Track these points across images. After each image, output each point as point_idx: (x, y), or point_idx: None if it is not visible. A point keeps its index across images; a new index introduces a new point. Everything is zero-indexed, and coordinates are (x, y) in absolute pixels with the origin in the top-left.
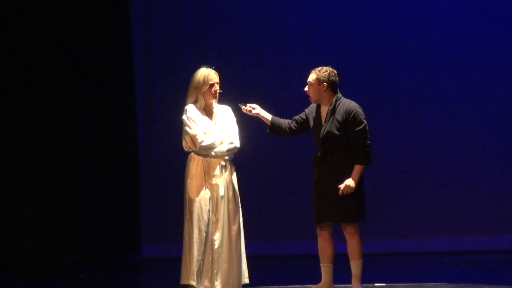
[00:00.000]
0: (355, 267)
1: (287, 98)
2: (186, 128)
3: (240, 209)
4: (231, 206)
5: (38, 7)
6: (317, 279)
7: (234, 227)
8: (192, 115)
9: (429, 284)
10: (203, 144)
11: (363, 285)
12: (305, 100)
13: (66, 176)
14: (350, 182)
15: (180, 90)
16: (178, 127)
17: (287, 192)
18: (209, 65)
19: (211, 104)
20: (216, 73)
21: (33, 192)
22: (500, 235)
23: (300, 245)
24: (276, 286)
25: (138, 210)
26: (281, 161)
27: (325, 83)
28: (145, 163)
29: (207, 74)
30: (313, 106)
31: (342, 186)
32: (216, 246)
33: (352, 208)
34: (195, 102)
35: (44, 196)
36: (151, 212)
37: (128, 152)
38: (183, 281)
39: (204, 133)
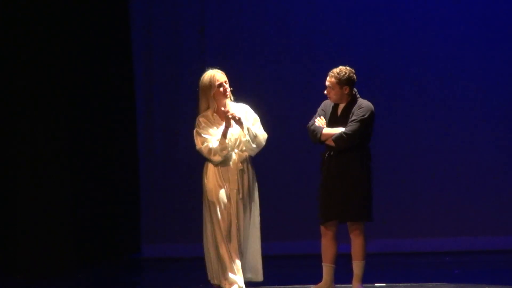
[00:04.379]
0: (357, 268)
1: (287, 98)
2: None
3: (258, 210)
4: (249, 205)
5: (37, 8)
6: (317, 279)
7: (254, 226)
8: (200, 129)
9: (429, 284)
10: (210, 155)
11: (363, 285)
12: (305, 100)
13: (66, 176)
14: None
15: (180, 90)
16: (178, 127)
17: (287, 193)
18: (213, 67)
19: (225, 105)
20: (223, 73)
21: (33, 192)
22: (500, 235)
23: (300, 245)
24: (276, 286)
25: (138, 210)
26: (283, 162)
27: (347, 86)
28: (145, 164)
29: (212, 75)
30: (327, 102)
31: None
32: (241, 245)
33: (359, 207)
34: (207, 109)
35: (44, 196)
36: (151, 212)
37: (128, 152)
38: (214, 281)
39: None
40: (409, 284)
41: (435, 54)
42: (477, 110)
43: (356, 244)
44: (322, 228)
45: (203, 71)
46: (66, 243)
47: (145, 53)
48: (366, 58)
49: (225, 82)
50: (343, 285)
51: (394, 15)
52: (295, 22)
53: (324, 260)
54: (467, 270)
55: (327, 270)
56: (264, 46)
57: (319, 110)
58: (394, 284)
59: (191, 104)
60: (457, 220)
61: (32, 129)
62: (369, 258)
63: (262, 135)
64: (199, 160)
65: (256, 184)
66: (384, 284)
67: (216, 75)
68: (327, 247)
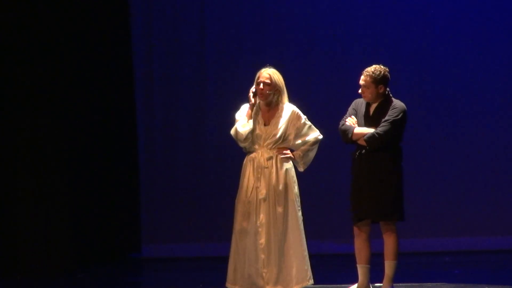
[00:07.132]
0: (389, 268)
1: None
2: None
3: (297, 210)
4: (279, 208)
5: (37, 8)
6: (320, 278)
7: (288, 231)
8: (236, 114)
9: (429, 284)
10: (233, 133)
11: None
12: (305, 100)
13: (66, 176)
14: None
15: (180, 90)
16: (178, 127)
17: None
18: (269, 65)
19: (267, 104)
20: (272, 74)
21: (33, 192)
22: (500, 235)
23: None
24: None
25: (138, 210)
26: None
27: (382, 85)
28: (145, 163)
29: (258, 72)
30: (359, 101)
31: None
32: (264, 250)
33: (391, 207)
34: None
35: (44, 196)
36: (151, 212)
37: (128, 152)
38: (227, 284)
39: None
40: (409, 284)
41: (438, 54)
42: (477, 110)
43: (388, 244)
44: (355, 229)
45: (203, 70)
46: (66, 243)
47: (145, 53)
48: (367, 58)
49: (264, 82)
50: (342, 285)
51: (396, 15)
52: (296, 21)
53: (358, 261)
54: (467, 270)
55: (362, 271)
56: (264, 46)
57: (350, 109)
58: (394, 284)
59: (191, 103)
60: (457, 220)
61: (31, 129)
62: (370, 258)
63: (314, 138)
64: (200, 160)
65: (293, 186)
66: None
67: (262, 72)
68: (361, 248)
